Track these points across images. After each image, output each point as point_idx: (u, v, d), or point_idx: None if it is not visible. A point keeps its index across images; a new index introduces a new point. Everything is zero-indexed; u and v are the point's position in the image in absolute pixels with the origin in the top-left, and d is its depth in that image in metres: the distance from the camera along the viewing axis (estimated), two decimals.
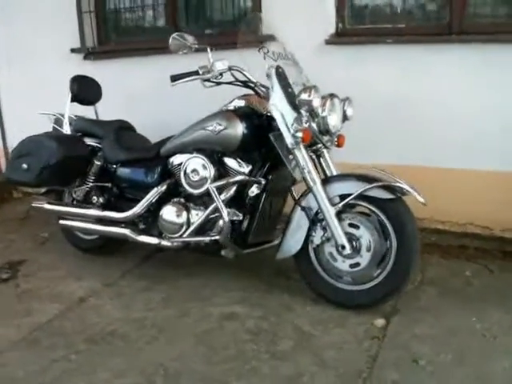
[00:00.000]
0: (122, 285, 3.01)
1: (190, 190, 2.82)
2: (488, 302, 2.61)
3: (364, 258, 2.51)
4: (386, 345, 2.33)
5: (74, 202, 3.30)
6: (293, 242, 2.64)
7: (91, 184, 3.20)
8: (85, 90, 3.38)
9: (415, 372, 2.14)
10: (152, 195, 2.94)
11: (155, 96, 3.90)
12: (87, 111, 3.48)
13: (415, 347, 2.29)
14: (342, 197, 2.54)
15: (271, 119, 2.67)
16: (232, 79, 2.75)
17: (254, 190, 2.68)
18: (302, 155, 2.55)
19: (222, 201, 2.68)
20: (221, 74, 2.68)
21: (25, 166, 3.09)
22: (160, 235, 2.95)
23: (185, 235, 2.82)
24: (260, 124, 2.70)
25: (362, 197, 2.50)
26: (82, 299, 2.87)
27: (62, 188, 3.33)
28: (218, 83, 2.71)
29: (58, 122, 3.40)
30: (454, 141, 3.12)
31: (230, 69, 2.67)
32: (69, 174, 3.18)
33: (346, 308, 2.60)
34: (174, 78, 2.69)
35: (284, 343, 2.38)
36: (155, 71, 3.86)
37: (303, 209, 2.60)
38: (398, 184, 2.44)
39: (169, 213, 2.87)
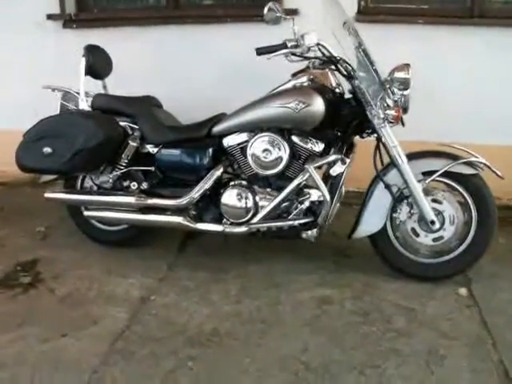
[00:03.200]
0: (178, 278, 2.78)
1: (261, 172, 2.67)
2: None
3: (447, 232, 2.61)
4: (485, 311, 2.46)
5: (100, 190, 2.92)
6: (374, 219, 2.65)
7: (126, 168, 2.85)
8: (99, 62, 2.99)
9: None
10: (208, 179, 2.73)
11: (147, 71, 3.57)
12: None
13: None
14: (424, 174, 2.59)
15: (342, 96, 2.63)
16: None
17: (336, 170, 2.61)
18: (389, 133, 2.55)
19: (299, 183, 2.59)
20: (308, 49, 2.54)
21: (48, 149, 2.68)
22: (216, 221, 2.76)
23: (255, 220, 2.68)
24: (335, 101, 2.62)
25: (442, 173, 2.58)
26: (143, 299, 2.60)
27: (85, 174, 2.92)
28: (306, 58, 2.58)
29: (67, 98, 2.97)
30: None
31: (318, 43, 2.54)
32: (102, 159, 2.81)
33: (425, 281, 2.69)
34: (260, 51, 2.53)
35: (397, 321, 2.40)
36: (147, 44, 3.59)
37: (387, 186, 2.61)
38: (477, 159, 2.56)
39: (233, 197, 2.70)
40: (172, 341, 2.27)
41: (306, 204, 2.62)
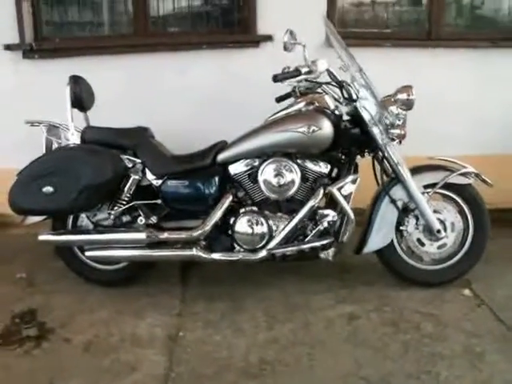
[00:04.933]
0: (196, 311, 2.70)
1: (273, 197, 2.70)
2: None
3: (450, 239, 2.81)
4: (495, 308, 2.67)
5: (100, 228, 2.77)
6: (382, 234, 2.78)
7: (129, 203, 2.74)
8: (84, 93, 2.85)
9: None
10: (219, 208, 2.71)
11: (119, 102, 3.44)
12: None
13: None
14: (425, 186, 2.78)
15: (341, 117, 2.75)
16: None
17: (346, 189, 2.71)
18: (393, 150, 2.71)
19: (313, 205, 2.67)
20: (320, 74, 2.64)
21: (49, 188, 2.52)
22: (228, 249, 2.75)
23: (271, 245, 2.69)
24: (338, 123, 2.73)
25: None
26: (171, 337, 2.49)
27: (85, 212, 2.75)
28: (317, 83, 2.66)
29: (52, 132, 2.80)
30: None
31: (327, 69, 2.64)
32: (106, 195, 2.67)
33: (430, 286, 2.86)
34: (277, 78, 2.58)
35: (425, 326, 2.53)
36: (117, 74, 3.47)
37: (393, 201, 2.76)
38: (469, 170, 2.80)
39: (246, 224, 2.70)
40: (224, 376, 2.21)
41: (325, 224, 2.68)
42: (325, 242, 2.66)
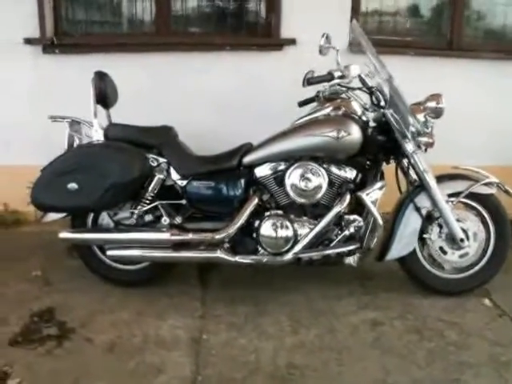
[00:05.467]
0: (218, 314, 2.68)
1: (300, 201, 2.69)
2: None
3: (472, 248, 2.81)
4: None
5: (122, 227, 2.74)
6: (405, 241, 2.77)
7: (153, 203, 2.71)
8: (108, 90, 2.82)
9: None
10: (246, 210, 2.69)
11: (139, 100, 3.42)
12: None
13: None
14: (449, 195, 2.78)
15: (368, 123, 2.74)
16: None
17: (373, 196, 2.70)
18: (420, 158, 2.71)
19: (339, 210, 2.66)
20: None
21: (74, 185, 2.49)
22: (252, 252, 2.73)
23: (296, 249, 2.68)
24: (365, 128, 2.73)
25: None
26: (195, 340, 2.47)
27: (109, 211, 2.72)
28: (349, 88, 2.66)
29: (74, 128, 2.77)
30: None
31: (359, 75, 2.63)
32: (131, 194, 2.64)
33: (451, 295, 2.86)
34: (310, 81, 2.58)
35: (449, 335, 2.53)
36: (137, 72, 3.45)
37: (417, 208, 2.76)
38: (493, 180, 2.81)
39: (271, 228, 2.68)
40: (253, 380, 2.19)
41: (351, 230, 2.67)
42: (351, 247, 2.65)
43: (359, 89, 2.69)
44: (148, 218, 2.76)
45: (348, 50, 3.50)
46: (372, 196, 2.69)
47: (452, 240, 2.79)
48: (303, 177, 2.66)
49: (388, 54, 3.41)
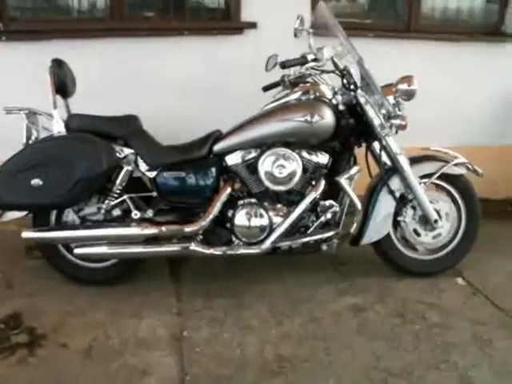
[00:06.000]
0: (196, 309, 2.58)
1: (274, 188, 2.62)
2: None
3: (444, 229, 2.84)
4: (490, 295, 2.73)
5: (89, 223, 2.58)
6: (380, 225, 2.76)
7: (122, 196, 2.57)
8: (67, 79, 2.64)
9: None
10: (218, 201, 2.60)
11: (94, 88, 3.22)
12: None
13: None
14: (421, 177, 2.79)
15: (337, 107, 2.69)
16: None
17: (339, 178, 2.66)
18: (392, 141, 2.70)
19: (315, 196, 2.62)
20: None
21: (38, 181, 2.32)
22: (226, 243, 2.65)
23: (272, 238, 2.61)
24: (336, 113, 2.68)
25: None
26: (176, 337, 2.36)
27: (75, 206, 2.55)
28: (323, 71, 2.60)
29: (30, 119, 2.58)
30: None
31: (332, 58, 2.58)
32: (97, 188, 2.49)
33: (425, 276, 2.88)
34: (284, 65, 2.50)
35: (430, 316, 2.55)
36: (91, 59, 3.24)
37: (391, 191, 2.75)
38: (463, 160, 2.84)
39: (246, 217, 2.61)
40: (244, 376, 2.12)
41: (328, 216, 2.63)
42: (330, 233, 2.61)
43: (332, 72, 2.63)
44: (116, 212, 2.62)
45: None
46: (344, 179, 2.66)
47: (425, 221, 2.80)
48: (277, 163, 2.58)
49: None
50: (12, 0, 3.16)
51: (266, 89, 2.84)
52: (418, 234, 2.83)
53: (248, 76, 3.25)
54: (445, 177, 2.82)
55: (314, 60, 2.56)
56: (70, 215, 2.63)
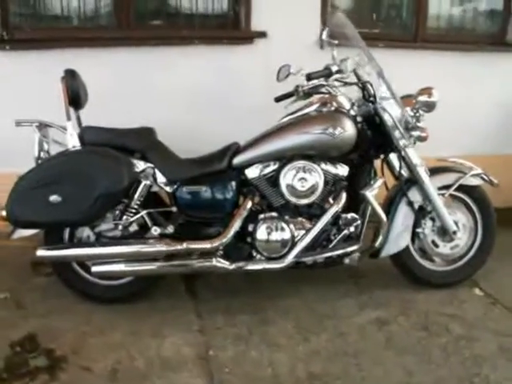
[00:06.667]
0: (219, 326, 2.52)
1: (296, 201, 2.58)
2: None
3: (462, 240, 2.83)
4: (509, 305, 2.73)
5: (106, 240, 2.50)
6: (400, 236, 2.74)
7: (142, 212, 2.50)
8: (80, 90, 2.56)
9: None
10: (240, 215, 2.55)
11: (101, 99, 3.13)
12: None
13: None
14: (439, 188, 2.78)
15: (355, 118, 2.67)
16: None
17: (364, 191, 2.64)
18: (413, 152, 2.68)
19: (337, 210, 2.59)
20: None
21: (56, 197, 2.23)
22: (247, 258, 2.59)
23: (294, 252, 2.57)
24: (356, 123, 2.65)
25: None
26: (202, 357, 2.29)
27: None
28: (346, 83, 2.57)
29: (42, 132, 2.50)
30: None
31: (354, 70, 2.55)
32: (115, 204, 2.42)
33: (443, 287, 2.87)
34: (309, 77, 2.48)
35: (454, 328, 2.52)
36: (99, 68, 3.17)
37: (410, 203, 2.73)
38: (479, 171, 2.83)
39: (267, 231, 2.56)
40: None
41: (351, 229, 2.59)
42: (355, 247, 2.58)
43: (355, 84, 2.60)
44: (132, 228, 2.54)
45: (319, 43, 3.39)
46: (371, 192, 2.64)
47: (443, 233, 2.78)
48: (299, 176, 2.54)
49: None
50: (16, 8, 3.05)
51: (279, 99, 2.80)
52: (437, 246, 2.81)
53: (258, 86, 3.23)
54: (462, 188, 2.81)
55: (338, 72, 2.52)
56: (84, 232, 2.54)
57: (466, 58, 3.68)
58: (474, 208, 2.87)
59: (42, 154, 2.49)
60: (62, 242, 2.53)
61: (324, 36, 2.53)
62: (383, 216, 2.57)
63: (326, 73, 2.52)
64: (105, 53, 3.12)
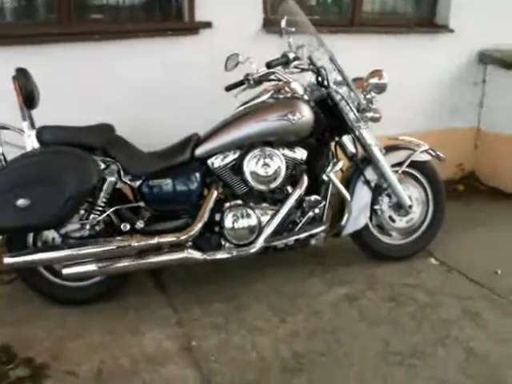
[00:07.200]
0: (196, 317, 2.53)
1: (260, 188, 2.63)
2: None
3: (416, 213, 3.00)
4: (464, 271, 2.92)
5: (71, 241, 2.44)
6: (359, 215, 2.86)
7: (109, 209, 2.45)
8: (33, 89, 2.48)
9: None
10: (206, 205, 2.57)
11: (45, 98, 3.04)
12: None
13: (481, 266, 2.96)
14: (393, 166, 2.92)
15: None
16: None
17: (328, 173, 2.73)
18: (367, 133, 2.80)
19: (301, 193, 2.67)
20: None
21: (24, 201, 2.16)
22: (217, 247, 2.62)
23: (262, 237, 2.62)
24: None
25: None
26: (186, 349, 2.30)
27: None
28: (303, 69, 2.63)
29: None
30: None
31: (309, 56, 2.62)
32: (84, 203, 2.37)
33: (401, 259, 3.03)
34: (271, 65, 2.52)
35: (420, 297, 2.68)
36: (40, 65, 3.01)
37: (367, 182, 2.86)
38: (427, 147, 3.00)
39: (235, 219, 2.59)
40: (269, 377, 2.12)
41: (316, 211, 2.67)
42: (322, 227, 2.66)
43: (311, 70, 2.67)
44: (99, 226, 2.49)
45: (262, 31, 3.46)
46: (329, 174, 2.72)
47: (398, 208, 2.92)
48: (262, 163, 2.59)
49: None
50: None
51: (229, 88, 2.83)
52: (393, 220, 2.96)
53: (206, 76, 3.23)
54: (412, 163, 2.95)
55: (296, 58, 2.58)
56: (49, 234, 2.46)
57: (400, 40, 3.83)
58: (425, 182, 3.03)
59: None
60: (25, 247, 2.43)
61: (283, 24, 2.57)
62: (347, 195, 2.67)
63: (285, 60, 2.57)
64: (45, 50, 2.99)
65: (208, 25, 3.28)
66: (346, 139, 2.82)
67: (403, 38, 3.86)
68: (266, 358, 2.21)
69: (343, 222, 2.71)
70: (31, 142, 2.36)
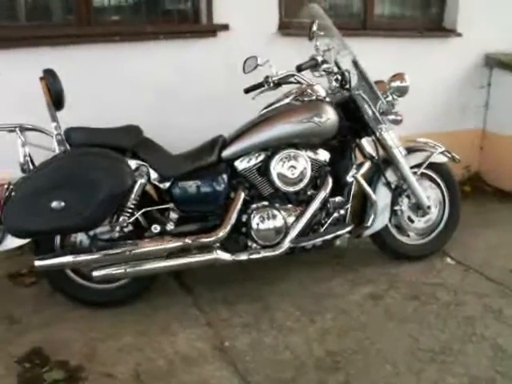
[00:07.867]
0: (225, 318, 2.55)
1: (287, 189, 2.66)
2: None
3: (434, 214, 3.05)
4: (481, 269, 2.98)
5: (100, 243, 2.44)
6: (381, 215, 2.90)
7: (139, 211, 2.46)
8: (61, 90, 2.47)
9: None
10: (235, 206, 2.59)
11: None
12: None
13: (497, 265, 3.02)
14: (411, 167, 2.97)
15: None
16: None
17: (351, 175, 2.77)
18: (389, 135, 2.85)
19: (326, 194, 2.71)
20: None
21: (59, 203, 2.16)
22: (244, 248, 2.65)
23: (288, 238, 2.65)
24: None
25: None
26: (218, 349, 2.32)
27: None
28: (329, 73, 2.66)
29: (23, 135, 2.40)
30: None
31: (335, 59, 2.65)
32: (117, 205, 2.37)
33: (418, 259, 3.07)
34: (301, 68, 2.57)
35: (441, 296, 2.72)
36: (59, 67, 3.02)
37: (387, 183, 2.90)
38: (444, 149, 3.05)
39: (262, 220, 2.62)
40: (307, 376, 2.15)
41: (341, 212, 2.71)
42: (348, 229, 2.69)
43: (335, 73, 2.71)
44: (127, 228, 2.49)
45: (278, 34, 3.49)
46: (352, 175, 2.76)
47: (417, 208, 2.97)
48: (289, 164, 2.62)
49: None
50: None
51: (248, 90, 2.86)
52: (412, 221, 3.00)
53: (223, 78, 3.26)
54: (429, 165, 3.01)
55: (324, 62, 2.61)
56: (77, 236, 2.47)
57: (411, 44, 3.89)
58: (441, 184, 3.08)
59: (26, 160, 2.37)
60: (53, 249, 2.43)
61: (314, 28, 2.60)
62: (374, 196, 2.71)
63: (314, 63, 2.60)
64: (65, 51, 2.99)
65: (225, 27, 3.30)
66: (365, 141, 2.86)
67: (414, 41, 3.92)
68: (301, 357, 2.24)
69: (369, 223, 2.74)
70: (62, 144, 2.34)
